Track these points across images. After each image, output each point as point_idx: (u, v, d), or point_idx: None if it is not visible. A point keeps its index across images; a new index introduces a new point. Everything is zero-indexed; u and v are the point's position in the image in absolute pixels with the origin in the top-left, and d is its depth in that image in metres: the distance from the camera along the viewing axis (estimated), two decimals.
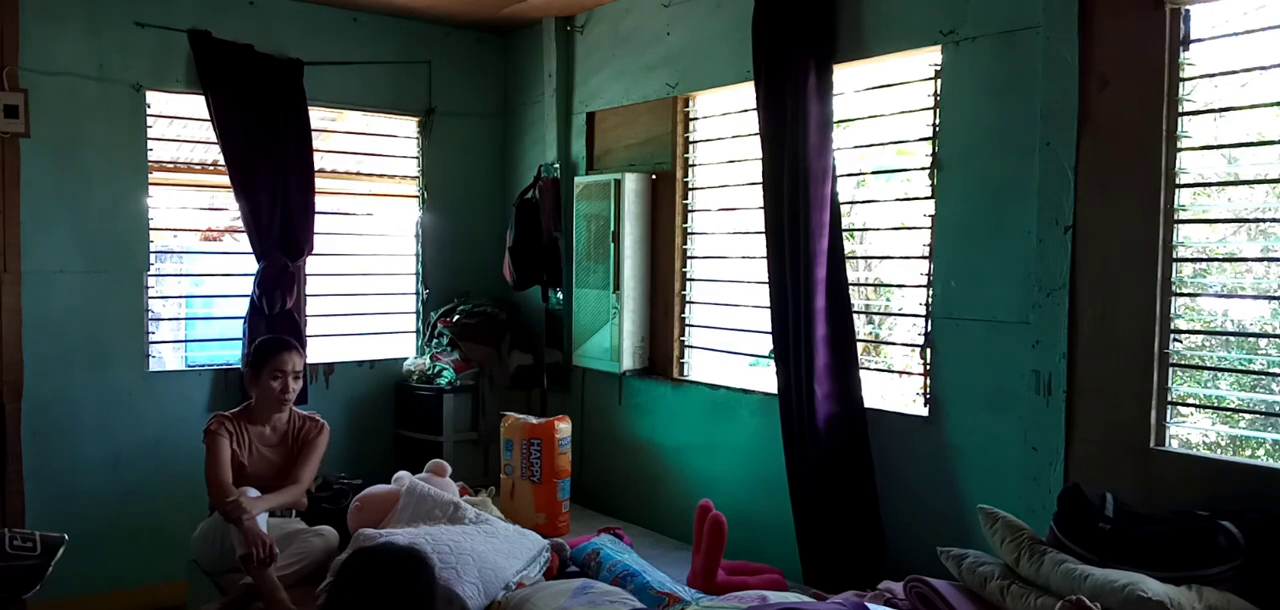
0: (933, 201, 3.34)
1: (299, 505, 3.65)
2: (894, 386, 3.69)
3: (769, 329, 3.67)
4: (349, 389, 4.92)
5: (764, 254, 3.67)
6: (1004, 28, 3.08)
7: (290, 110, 4.55)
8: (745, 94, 3.96)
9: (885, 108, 3.54)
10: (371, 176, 5.11)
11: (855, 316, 3.51)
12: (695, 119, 4.32)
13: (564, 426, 4.02)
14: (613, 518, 4.26)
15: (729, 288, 4.21)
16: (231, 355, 4.64)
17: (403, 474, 3.62)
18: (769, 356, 3.79)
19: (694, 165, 4.34)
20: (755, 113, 3.69)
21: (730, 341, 4.22)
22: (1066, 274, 2.90)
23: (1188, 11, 2.72)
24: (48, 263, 4.13)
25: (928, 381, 3.37)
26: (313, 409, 4.01)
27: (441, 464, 3.73)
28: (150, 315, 4.42)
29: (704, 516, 3.27)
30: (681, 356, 4.41)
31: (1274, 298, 2.76)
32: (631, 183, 4.42)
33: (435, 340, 5.06)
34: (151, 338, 4.44)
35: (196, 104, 4.43)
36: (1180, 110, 2.73)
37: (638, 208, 4.44)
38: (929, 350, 3.37)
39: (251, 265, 4.51)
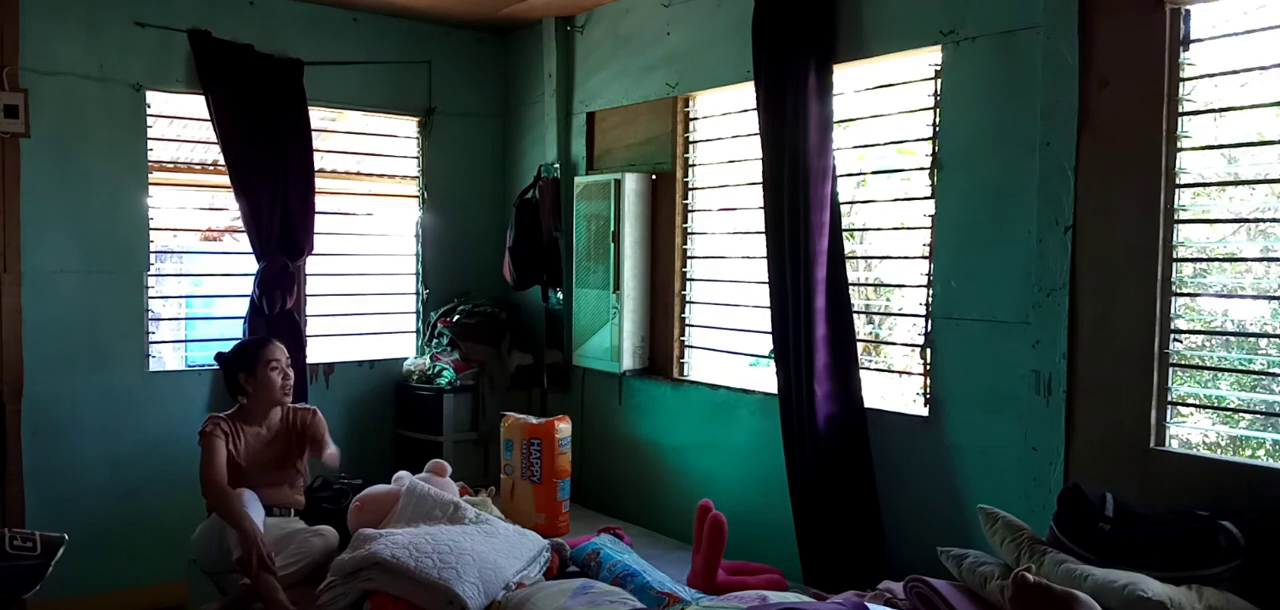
0: (933, 201, 3.34)
1: (298, 505, 3.66)
2: (894, 386, 3.69)
3: (769, 329, 3.67)
4: (349, 389, 4.92)
5: (764, 254, 3.67)
6: (1004, 28, 3.08)
7: (290, 110, 4.55)
8: (745, 94, 3.96)
9: (885, 108, 3.54)
10: (371, 176, 5.11)
11: (855, 316, 3.51)
12: (695, 119, 4.32)
13: (564, 426, 4.02)
14: (613, 518, 4.26)
15: (729, 288, 4.21)
16: None
17: (403, 474, 3.62)
18: (769, 356, 3.79)
19: (694, 165, 4.34)
20: (755, 113, 3.69)
21: (730, 341, 4.22)
22: (1066, 274, 2.90)
23: (1188, 11, 2.72)
24: (48, 263, 4.12)
25: (928, 381, 3.37)
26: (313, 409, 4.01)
27: (441, 464, 3.73)
28: (150, 315, 4.41)
29: (704, 516, 3.27)
30: (681, 356, 4.41)
31: (1274, 298, 2.76)
32: (631, 183, 4.42)
33: (435, 340, 5.06)
34: (151, 338, 4.44)
35: (196, 104, 4.43)
36: (1180, 110, 2.73)
37: (638, 208, 4.44)
38: (929, 350, 3.37)
39: (251, 265, 4.51)
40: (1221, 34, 2.71)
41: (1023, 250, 3.04)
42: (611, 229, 4.45)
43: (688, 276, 4.37)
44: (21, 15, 4.01)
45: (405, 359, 5.07)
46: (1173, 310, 2.77)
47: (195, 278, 5.02)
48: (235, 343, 3.96)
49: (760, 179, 3.68)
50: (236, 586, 3.22)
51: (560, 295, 4.91)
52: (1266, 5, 2.64)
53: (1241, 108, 2.68)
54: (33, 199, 4.07)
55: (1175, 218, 2.75)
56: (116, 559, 4.24)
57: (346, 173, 5.02)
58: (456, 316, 5.02)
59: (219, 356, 3.76)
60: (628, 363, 4.49)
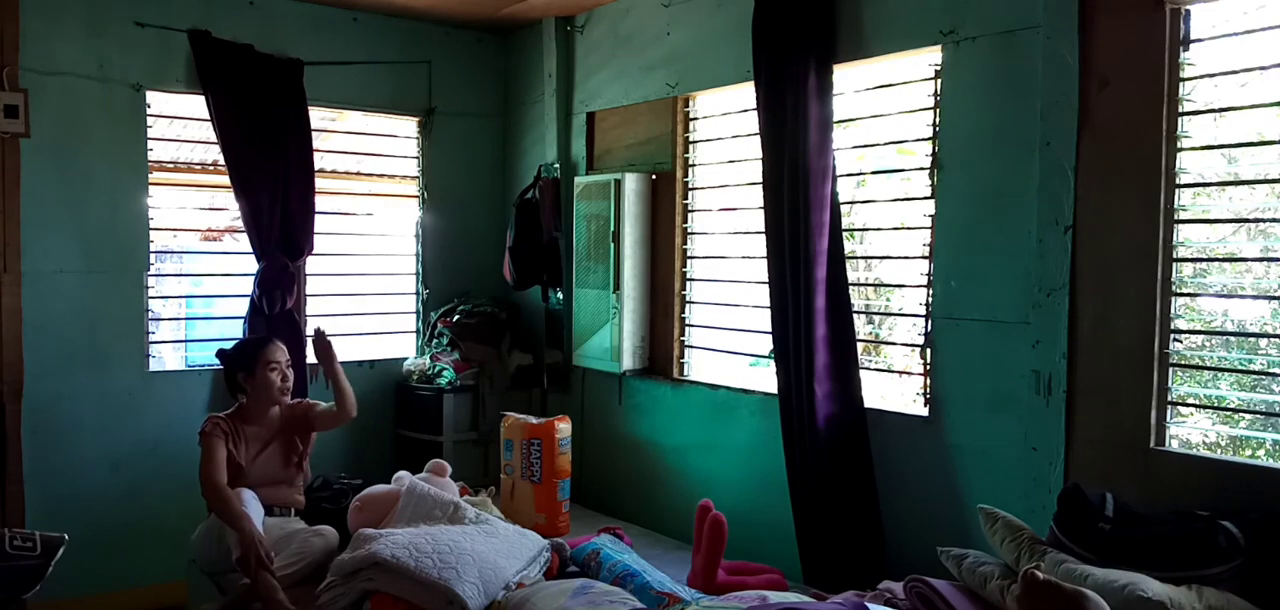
0: (933, 201, 3.34)
1: (298, 505, 3.66)
2: (894, 386, 3.69)
3: (769, 329, 3.67)
4: None
5: (764, 254, 3.67)
6: (1004, 28, 3.08)
7: (290, 110, 4.55)
8: (745, 94, 3.96)
9: (885, 108, 3.54)
10: (371, 176, 5.11)
11: (855, 316, 3.51)
12: (695, 119, 4.32)
13: (564, 426, 4.02)
14: (613, 518, 4.26)
15: (729, 288, 4.21)
16: None
17: (403, 474, 3.63)
18: (769, 356, 3.79)
19: (694, 165, 4.34)
20: (755, 113, 3.69)
21: (730, 341, 4.22)
22: (1066, 274, 2.90)
23: (1188, 11, 2.72)
24: (48, 263, 4.12)
25: (928, 381, 3.37)
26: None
27: (441, 464, 3.73)
28: (150, 315, 4.41)
29: (704, 516, 3.27)
30: (681, 356, 4.41)
31: (1274, 298, 2.76)
32: (631, 183, 4.42)
33: (435, 340, 5.06)
34: (151, 338, 4.44)
35: (196, 104, 4.43)
36: (1180, 110, 2.73)
37: (638, 208, 4.44)
38: (929, 350, 3.37)
39: (251, 265, 4.51)
40: (1221, 34, 2.71)
41: (1023, 250, 3.04)
42: (611, 229, 4.45)
43: (688, 276, 4.37)
44: (21, 15, 4.01)
45: (405, 359, 5.07)
46: (1173, 310, 2.77)
47: (195, 278, 5.03)
48: (237, 341, 3.96)
49: (760, 179, 3.68)
50: (236, 586, 3.22)
51: (560, 295, 4.91)
52: (1266, 5, 2.64)
53: (1241, 108, 2.68)
54: (33, 199, 4.07)
55: (1175, 218, 2.75)
56: (116, 559, 4.24)
57: (346, 173, 5.02)
58: (456, 316, 5.02)
59: (220, 353, 3.76)
60: (628, 363, 4.48)
